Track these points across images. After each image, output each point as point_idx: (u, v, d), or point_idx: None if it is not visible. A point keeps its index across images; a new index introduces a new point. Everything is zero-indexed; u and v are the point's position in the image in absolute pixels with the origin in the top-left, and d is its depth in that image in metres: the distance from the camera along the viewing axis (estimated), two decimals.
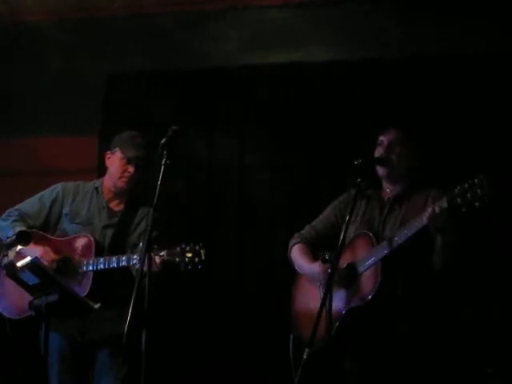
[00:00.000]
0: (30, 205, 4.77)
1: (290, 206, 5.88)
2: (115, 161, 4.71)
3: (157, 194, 3.84)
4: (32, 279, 4.21)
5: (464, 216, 3.91)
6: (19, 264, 4.23)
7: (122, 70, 6.30)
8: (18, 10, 6.12)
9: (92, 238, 4.59)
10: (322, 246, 4.44)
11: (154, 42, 6.15)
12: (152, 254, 3.92)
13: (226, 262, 5.92)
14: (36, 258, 4.26)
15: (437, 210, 3.91)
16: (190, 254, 4.27)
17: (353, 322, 4.14)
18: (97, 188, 4.78)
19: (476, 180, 3.78)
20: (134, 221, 4.71)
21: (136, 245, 4.57)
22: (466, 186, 3.81)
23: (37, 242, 4.59)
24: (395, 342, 4.09)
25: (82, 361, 4.64)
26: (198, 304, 5.87)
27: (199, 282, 5.83)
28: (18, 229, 4.52)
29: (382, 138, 4.35)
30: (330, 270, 3.94)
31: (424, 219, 3.96)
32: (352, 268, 4.23)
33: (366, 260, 4.16)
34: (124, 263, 4.43)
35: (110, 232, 4.68)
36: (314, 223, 4.60)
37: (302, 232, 4.61)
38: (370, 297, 4.06)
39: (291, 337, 4.46)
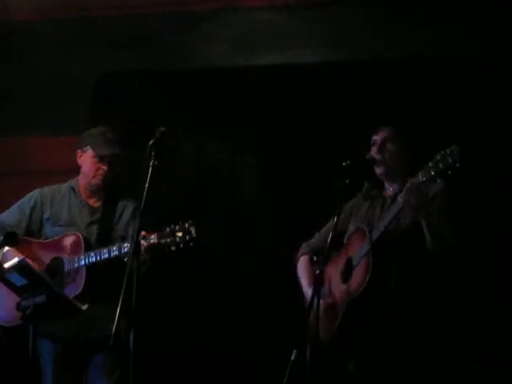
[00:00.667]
0: (9, 215, 4.77)
1: (280, 207, 5.88)
2: (87, 159, 4.69)
3: (144, 196, 3.83)
4: (19, 280, 4.20)
5: (446, 194, 3.99)
6: (6, 265, 4.23)
7: (114, 70, 6.29)
8: (9, 9, 6.10)
9: (80, 235, 4.59)
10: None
11: (145, 42, 6.14)
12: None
13: (215, 263, 5.94)
14: (23, 259, 4.26)
15: (410, 185, 3.94)
16: (180, 233, 4.23)
17: (352, 317, 4.16)
18: (73, 188, 4.77)
19: (447, 150, 3.81)
20: (115, 214, 4.71)
21: (124, 237, 4.58)
22: (438, 157, 3.84)
23: (24, 248, 4.59)
24: (387, 335, 4.09)
25: (77, 363, 4.63)
26: (188, 305, 5.89)
27: (189, 282, 5.87)
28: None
29: (375, 137, 4.37)
30: (317, 272, 3.96)
31: (399, 198, 4.00)
32: (349, 262, 4.25)
33: (359, 253, 4.18)
34: (116, 252, 4.41)
35: (94, 228, 4.67)
36: (321, 231, 4.62)
37: (311, 241, 4.64)
38: (361, 289, 4.07)
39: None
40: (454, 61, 5.73)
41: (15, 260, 4.21)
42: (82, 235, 4.60)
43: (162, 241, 4.27)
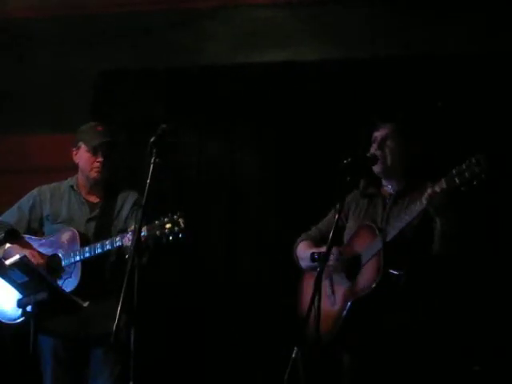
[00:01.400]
0: (9, 214, 4.79)
1: (280, 205, 5.88)
2: (82, 155, 4.72)
3: (146, 193, 3.83)
4: (21, 277, 4.22)
5: (464, 201, 3.95)
6: (8, 262, 4.24)
7: (114, 68, 6.29)
8: (8, 7, 6.11)
9: (76, 231, 4.60)
10: None
11: (145, 39, 6.15)
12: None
13: (215, 262, 5.94)
14: (25, 256, 4.27)
15: (436, 189, 3.91)
16: (169, 225, 4.23)
17: (357, 315, 4.14)
18: (72, 186, 4.79)
19: (473, 159, 3.79)
20: (115, 208, 4.73)
21: (123, 230, 4.58)
22: (464, 166, 3.81)
23: (24, 245, 4.62)
24: (396, 333, 4.08)
25: (77, 360, 4.64)
26: (189, 303, 5.89)
27: (190, 280, 5.88)
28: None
29: (375, 134, 4.34)
30: (318, 269, 3.95)
31: (423, 200, 3.97)
32: (356, 259, 4.23)
33: (369, 250, 4.15)
34: (108, 247, 4.44)
35: (93, 225, 4.69)
36: (319, 225, 4.61)
37: (308, 232, 4.63)
38: (372, 286, 4.05)
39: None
40: (455, 59, 5.72)
41: (16, 257, 4.22)
42: (79, 231, 4.61)
43: (152, 233, 4.27)
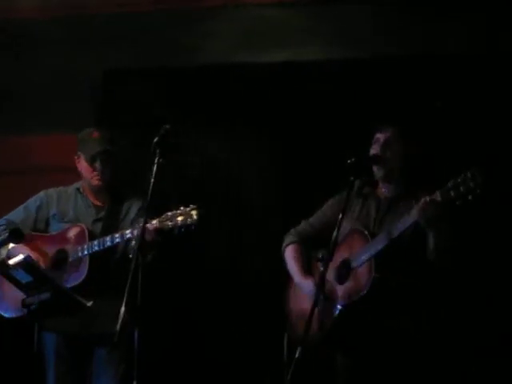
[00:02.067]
0: (15, 214, 4.81)
1: (283, 205, 5.89)
2: (82, 164, 4.74)
3: (150, 193, 3.84)
4: (25, 277, 4.22)
5: (458, 213, 3.94)
6: (11, 262, 4.25)
7: (116, 67, 6.30)
8: (12, 7, 6.10)
9: (84, 226, 4.62)
10: (317, 243, 4.44)
11: (147, 39, 6.15)
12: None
13: (218, 261, 5.95)
14: (29, 256, 4.28)
15: (428, 201, 3.91)
16: (181, 217, 4.23)
17: (348, 318, 4.15)
18: (78, 189, 4.81)
19: (468, 173, 3.78)
20: (121, 211, 4.73)
21: None
22: (459, 179, 3.81)
23: (29, 244, 4.61)
24: (388, 337, 4.09)
25: (80, 359, 4.64)
26: (193, 301, 5.90)
27: (193, 280, 5.88)
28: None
29: (378, 135, 4.33)
30: (322, 269, 3.96)
31: (414, 212, 3.97)
32: (346, 264, 4.23)
33: (361, 255, 4.15)
34: (118, 239, 4.44)
35: (99, 226, 4.70)
36: (310, 219, 4.59)
37: (298, 228, 4.61)
38: (364, 292, 4.06)
39: (285, 336, 4.47)
40: (460, 60, 5.73)
41: (20, 257, 4.22)
42: (87, 227, 4.62)
43: (164, 224, 4.28)
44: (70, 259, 4.56)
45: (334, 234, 3.97)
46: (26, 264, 4.16)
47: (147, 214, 3.88)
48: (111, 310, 4.26)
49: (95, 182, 4.71)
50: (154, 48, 6.20)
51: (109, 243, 4.47)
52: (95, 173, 4.68)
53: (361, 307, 4.11)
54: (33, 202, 4.82)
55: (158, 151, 3.94)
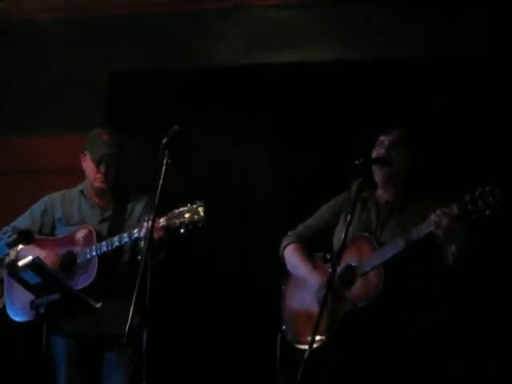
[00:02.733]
0: (21, 220, 4.82)
1: (292, 206, 5.87)
2: (87, 164, 4.75)
3: (158, 194, 3.84)
4: (34, 278, 4.23)
5: (473, 223, 3.92)
6: (21, 263, 4.25)
7: (126, 69, 6.31)
8: (19, 8, 6.13)
9: (92, 228, 4.62)
10: (314, 246, 4.43)
11: (157, 40, 6.16)
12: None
13: (227, 263, 5.95)
14: (37, 257, 4.28)
15: (446, 215, 3.90)
16: (188, 214, 4.23)
17: (353, 323, 4.13)
18: (82, 191, 4.82)
19: (487, 188, 3.78)
20: (126, 210, 4.74)
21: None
22: (477, 193, 3.80)
23: (37, 246, 4.62)
24: (395, 343, 4.07)
25: (90, 360, 4.65)
26: (201, 300, 5.91)
27: (202, 281, 5.89)
28: None
29: (382, 137, 4.30)
30: (330, 270, 3.94)
31: (432, 224, 3.94)
32: (351, 270, 4.21)
33: (369, 262, 4.13)
34: (126, 239, 4.44)
35: (105, 226, 4.71)
36: (308, 222, 4.57)
37: (296, 231, 4.59)
38: (373, 298, 4.04)
39: (279, 335, 4.46)
40: (469, 61, 5.71)
41: (29, 258, 4.23)
42: (94, 228, 4.63)
43: (171, 222, 4.27)
44: (79, 261, 4.57)
45: (343, 236, 3.94)
46: (34, 265, 4.17)
47: (154, 217, 3.86)
48: (120, 311, 4.28)
49: (98, 183, 4.72)
50: (165, 50, 6.22)
51: (117, 243, 4.47)
52: (99, 175, 4.69)
53: (368, 313, 4.09)
54: (37, 207, 4.83)
55: (166, 152, 3.93)
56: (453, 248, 4.02)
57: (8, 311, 4.69)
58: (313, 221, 4.55)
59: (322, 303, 3.85)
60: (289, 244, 4.56)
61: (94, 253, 4.52)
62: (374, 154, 4.28)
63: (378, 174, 4.28)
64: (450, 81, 5.71)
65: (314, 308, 4.16)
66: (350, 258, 4.21)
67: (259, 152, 6.04)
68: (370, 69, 5.84)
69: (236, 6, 6.05)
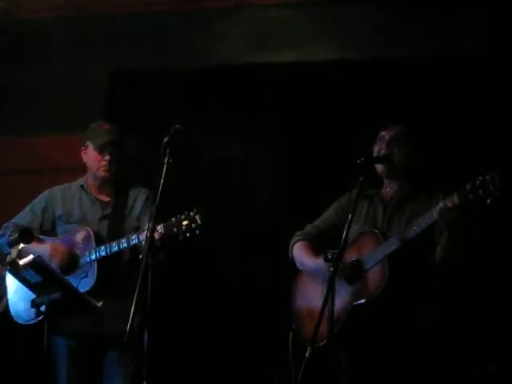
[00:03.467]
0: (22, 216, 4.82)
1: (293, 206, 5.88)
2: (90, 154, 4.75)
3: (159, 194, 3.84)
4: (35, 277, 4.23)
5: (473, 212, 3.92)
6: (22, 262, 4.25)
7: (126, 68, 6.31)
8: (20, 8, 6.13)
9: (90, 230, 4.62)
10: (324, 246, 4.43)
11: (157, 40, 6.16)
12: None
13: (228, 263, 5.95)
14: (39, 256, 4.28)
15: (448, 205, 3.89)
16: (186, 222, 4.25)
17: (359, 319, 4.13)
18: (82, 186, 4.81)
19: (488, 176, 3.77)
20: (126, 206, 4.75)
21: (137, 228, 4.61)
22: (478, 182, 3.79)
23: (38, 245, 4.63)
24: (400, 339, 4.08)
25: (91, 360, 4.65)
26: (202, 300, 5.91)
27: (203, 281, 5.89)
28: None
29: (383, 133, 4.32)
30: (332, 269, 3.94)
31: (434, 214, 3.95)
32: (358, 265, 4.21)
33: (373, 256, 4.14)
34: (125, 245, 4.46)
35: (106, 223, 4.71)
36: (316, 222, 4.58)
37: (304, 231, 4.59)
38: (377, 293, 4.04)
39: (290, 334, 4.46)
40: (474, 60, 5.71)
41: (30, 257, 4.23)
42: (93, 230, 4.63)
43: (169, 230, 4.29)
44: (79, 265, 4.58)
45: (344, 234, 3.95)
46: (35, 264, 4.17)
47: (156, 215, 3.86)
48: (121, 310, 4.27)
49: (101, 172, 4.71)
50: (166, 49, 6.21)
51: (115, 249, 4.49)
52: (103, 162, 4.68)
53: (370, 308, 4.09)
54: (38, 203, 4.83)
55: (167, 151, 3.93)
56: (450, 240, 4.01)
57: (10, 312, 4.69)
58: (320, 221, 4.56)
59: (324, 301, 3.85)
60: (296, 242, 4.57)
61: (94, 256, 4.53)
62: (376, 150, 4.30)
63: (381, 170, 4.30)
64: (450, 80, 5.72)
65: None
66: (357, 254, 4.23)
67: (259, 152, 6.05)
68: (370, 69, 5.85)
69: (236, 6, 6.05)
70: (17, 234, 4.45)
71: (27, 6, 6.09)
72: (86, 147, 4.77)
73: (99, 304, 4.33)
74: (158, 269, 3.85)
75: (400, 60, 5.87)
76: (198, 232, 4.24)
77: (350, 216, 4.00)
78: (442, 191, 4.13)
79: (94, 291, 4.46)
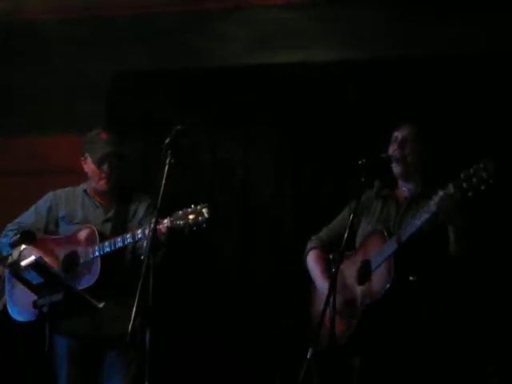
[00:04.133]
0: (27, 216, 4.83)
1: (294, 207, 5.88)
2: (89, 166, 4.75)
3: (161, 194, 3.85)
4: (36, 278, 4.24)
5: (471, 201, 3.91)
6: (23, 263, 4.26)
7: (127, 69, 6.31)
8: (22, 9, 6.12)
9: (94, 228, 4.62)
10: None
11: (158, 41, 6.16)
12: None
13: (229, 262, 5.95)
14: (40, 257, 4.29)
15: (443, 195, 3.91)
16: (192, 216, 4.25)
17: (370, 320, 4.14)
18: (85, 190, 4.82)
19: (481, 164, 3.79)
20: (129, 211, 4.75)
21: None
22: (471, 170, 3.81)
23: (40, 246, 4.62)
24: (408, 339, 4.08)
25: (92, 360, 4.66)
26: (203, 300, 5.91)
27: (204, 281, 5.89)
28: None
29: (396, 133, 4.32)
30: (333, 270, 3.95)
31: (432, 205, 3.96)
32: (366, 265, 4.22)
33: (378, 256, 4.15)
34: (130, 240, 4.46)
35: (108, 226, 4.71)
36: (331, 225, 4.58)
37: (319, 234, 4.61)
38: (383, 292, 4.05)
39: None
40: (478, 60, 5.71)
41: (32, 258, 4.23)
42: (97, 229, 4.63)
43: (175, 223, 4.28)
44: (81, 261, 4.58)
45: (345, 236, 3.96)
46: (37, 265, 4.18)
47: (158, 215, 3.87)
48: (123, 310, 4.29)
49: (101, 186, 4.73)
50: (167, 50, 6.21)
51: (120, 244, 4.48)
52: (103, 175, 4.69)
53: (380, 308, 4.10)
54: (42, 203, 4.83)
55: (169, 152, 3.93)
56: (455, 232, 4.03)
57: (10, 311, 4.70)
58: (335, 224, 4.56)
59: (325, 302, 3.86)
60: (310, 250, 4.58)
61: (97, 253, 4.53)
62: (390, 150, 4.30)
63: (396, 171, 4.30)
64: (450, 80, 5.72)
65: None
66: (365, 254, 4.24)
67: (260, 152, 6.05)
68: (370, 69, 5.85)
69: (237, 6, 6.04)
70: (18, 236, 4.46)
71: (28, 6, 6.08)
72: (86, 159, 4.77)
73: (100, 305, 4.33)
74: (157, 269, 3.85)
75: (400, 60, 5.87)
76: (204, 226, 4.24)
77: (350, 218, 4.00)
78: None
79: (95, 290, 4.46)
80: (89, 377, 4.67)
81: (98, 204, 4.78)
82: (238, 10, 6.04)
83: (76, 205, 4.79)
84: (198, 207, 4.26)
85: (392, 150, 4.29)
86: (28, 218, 4.81)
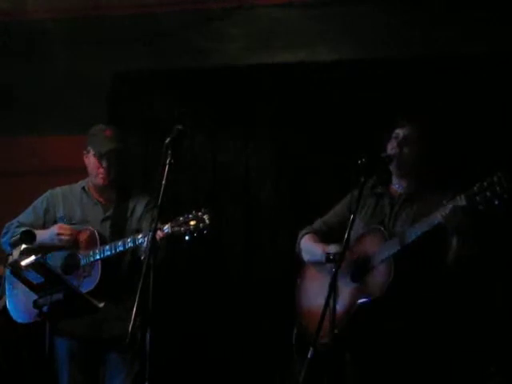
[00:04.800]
0: (25, 216, 4.83)
1: (295, 208, 5.88)
2: (90, 159, 4.77)
3: (161, 194, 3.84)
4: (37, 278, 4.24)
5: (481, 215, 3.90)
6: (24, 263, 4.26)
7: (127, 69, 6.32)
8: (23, 9, 6.12)
9: (94, 230, 4.63)
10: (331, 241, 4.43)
11: (159, 40, 6.16)
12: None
13: (232, 262, 5.96)
14: (41, 256, 4.28)
15: (454, 208, 3.89)
16: (193, 222, 4.26)
17: (363, 317, 4.13)
18: (84, 188, 4.83)
19: (495, 177, 3.76)
20: (128, 209, 4.76)
21: (138, 230, 4.61)
22: (485, 184, 3.79)
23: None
24: (403, 338, 4.08)
25: (93, 361, 4.67)
26: (205, 300, 5.92)
27: (206, 281, 5.90)
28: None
29: (397, 131, 4.31)
30: (334, 270, 3.94)
31: (439, 217, 3.95)
32: (363, 262, 4.21)
33: (379, 254, 4.14)
34: (130, 244, 4.47)
35: (107, 224, 4.72)
36: (324, 218, 4.59)
37: (312, 225, 4.60)
38: (382, 291, 4.04)
39: (294, 331, 4.45)
40: (479, 60, 5.71)
41: (32, 258, 4.23)
42: (97, 230, 4.63)
43: (176, 229, 4.29)
44: (82, 264, 4.59)
45: (346, 234, 3.95)
46: (37, 265, 4.17)
47: (158, 217, 3.86)
48: (123, 311, 4.29)
49: (99, 180, 4.73)
50: (167, 50, 6.21)
51: (121, 248, 4.49)
52: (101, 170, 4.70)
53: (376, 306, 4.10)
54: (40, 204, 4.84)
55: (169, 152, 3.93)
56: (460, 244, 4.01)
57: (10, 311, 4.70)
58: (328, 217, 4.57)
59: (326, 300, 3.85)
60: (304, 235, 4.57)
61: (98, 256, 4.53)
62: (389, 148, 4.29)
63: (392, 169, 4.31)
64: (450, 80, 5.72)
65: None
66: (362, 250, 4.23)
67: (261, 152, 6.05)
68: (371, 69, 5.85)
69: (238, 6, 6.04)
70: (18, 236, 4.46)
71: (29, 7, 6.07)
72: (88, 152, 4.78)
73: (101, 305, 4.33)
74: (157, 269, 3.84)
75: (400, 60, 5.88)
76: (205, 232, 4.24)
77: (351, 217, 3.99)
78: (451, 191, 4.10)
79: (97, 291, 4.46)
80: (90, 377, 4.69)
81: (96, 201, 4.78)
82: (239, 10, 6.05)
83: (74, 204, 4.80)
84: (199, 213, 4.27)
85: (391, 146, 4.29)
86: (26, 217, 4.82)
